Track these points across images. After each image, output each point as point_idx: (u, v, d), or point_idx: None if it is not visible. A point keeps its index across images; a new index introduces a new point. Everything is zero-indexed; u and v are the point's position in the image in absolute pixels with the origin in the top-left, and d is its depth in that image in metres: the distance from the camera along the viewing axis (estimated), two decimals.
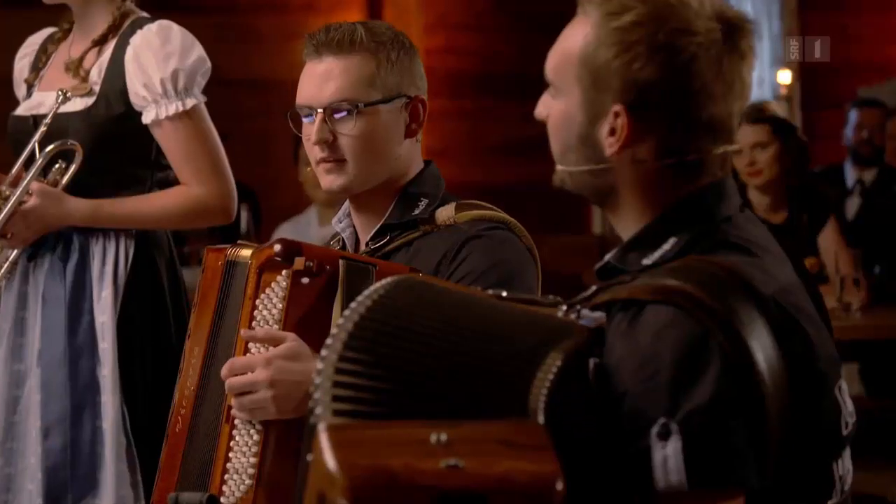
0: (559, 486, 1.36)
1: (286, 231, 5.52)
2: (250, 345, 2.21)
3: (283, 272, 2.19)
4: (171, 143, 2.95)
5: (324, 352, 1.55)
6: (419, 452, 1.37)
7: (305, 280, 2.18)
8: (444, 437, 1.38)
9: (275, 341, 2.17)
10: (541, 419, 1.48)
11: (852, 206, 6.40)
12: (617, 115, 1.65)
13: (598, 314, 1.64)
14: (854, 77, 7.39)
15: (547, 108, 1.74)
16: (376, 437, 1.40)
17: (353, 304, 1.60)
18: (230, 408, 2.21)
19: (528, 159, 6.88)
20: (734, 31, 1.66)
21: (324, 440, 1.38)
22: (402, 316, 1.59)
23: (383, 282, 1.64)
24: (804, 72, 7.08)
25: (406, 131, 2.36)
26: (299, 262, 2.18)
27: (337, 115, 2.32)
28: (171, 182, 3.01)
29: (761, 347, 1.53)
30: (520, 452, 1.39)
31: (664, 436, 1.50)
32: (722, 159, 1.69)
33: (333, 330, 1.57)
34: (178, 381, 2.35)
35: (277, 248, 2.20)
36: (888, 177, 6.39)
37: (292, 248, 2.20)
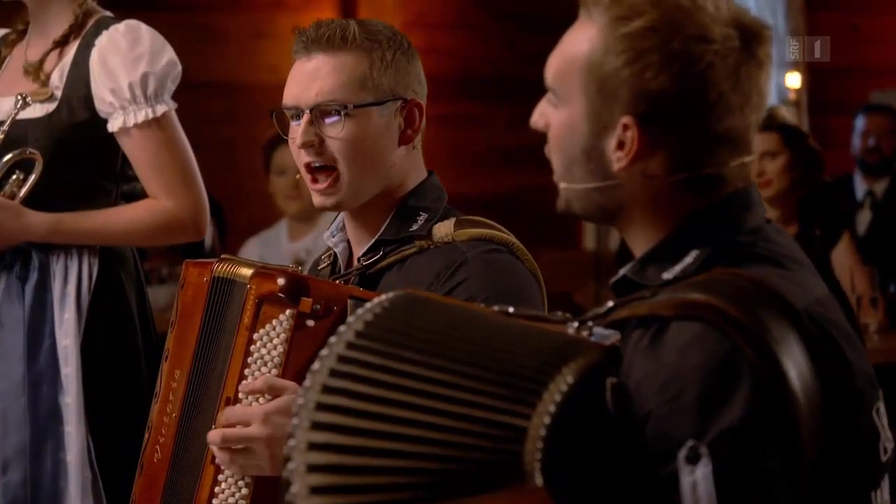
0: None
1: (254, 247, 5.52)
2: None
3: (287, 311, 2.14)
4: (140, 153, 2.95)
5: (295, 419, 1.51)
6: None
7: (311, 323, 2.14)
8: None
9: (275, 391, 2.14)
10: (539, 481, 1.47)
11: (863, 219, 6.41)
12: (626, 127, 1.65)
13: (611, 332, 1.63)
14: (867, 80, 7.43)
15: (545, 117, 1.73)
16: None
17: (332, 339, 1.57)
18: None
19: (514, 169, 6.90)
20: (752, 39, 1.67)
21: None
22: (386, 354, 1.56)
23: (371, 304, 1.62)
24: (813, 75, 7.10)
25: (400, 137, 2.35)
26: (305, 304, 2.13)
27: (327, 120, 2.31)
28: (138, 195, 3.02)
29: (794, 364, 1.54)
30: None
31: (693, 459, 1.51)
32: (741, 170, 1.70)
33: (307, 382, 1.54)
34: (154, 404, 2.35)
35: (281, 282, 2.16)
36: None
37: (298, 286, 2.15)
